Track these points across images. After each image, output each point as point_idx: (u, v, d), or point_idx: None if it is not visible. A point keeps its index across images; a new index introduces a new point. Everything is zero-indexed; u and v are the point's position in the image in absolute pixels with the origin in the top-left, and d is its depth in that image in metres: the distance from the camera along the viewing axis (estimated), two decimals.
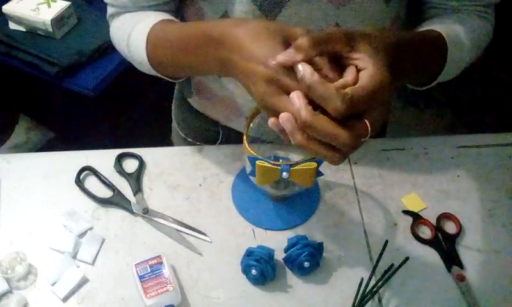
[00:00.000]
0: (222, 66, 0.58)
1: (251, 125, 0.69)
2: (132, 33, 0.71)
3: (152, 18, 0.70)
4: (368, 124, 0.49)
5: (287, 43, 0.52)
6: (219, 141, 0.91)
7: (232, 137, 0.87)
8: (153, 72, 0.72)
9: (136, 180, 0.78)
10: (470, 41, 0.69)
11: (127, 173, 0.79)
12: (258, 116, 0.70)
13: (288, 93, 0.50)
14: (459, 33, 0.68)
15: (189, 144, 0.96)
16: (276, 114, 0.51)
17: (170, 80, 0.75)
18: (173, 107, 0.99)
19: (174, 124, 1.00)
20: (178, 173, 0.80)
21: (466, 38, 0.69)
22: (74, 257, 0.70)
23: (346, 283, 0.68)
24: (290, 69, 0.50)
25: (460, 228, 0.73)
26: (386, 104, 0.51)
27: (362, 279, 0.66)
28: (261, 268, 0.66)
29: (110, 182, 0.78)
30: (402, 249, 0.72)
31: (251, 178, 0.68)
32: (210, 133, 0.91)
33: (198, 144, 0.94)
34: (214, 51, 0.58)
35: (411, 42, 0.61)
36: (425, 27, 0.70)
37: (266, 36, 0.53)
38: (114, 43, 0.77)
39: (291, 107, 0.49)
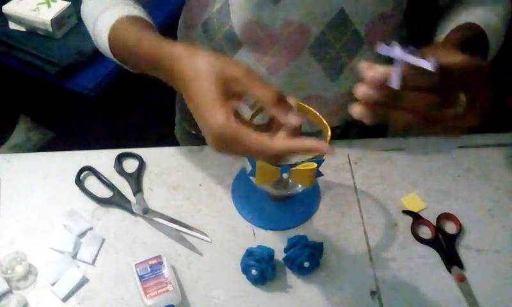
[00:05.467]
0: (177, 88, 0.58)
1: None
2: (98, 22, 0.70)
3: (119, 9, 0.68)
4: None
5: (224, 83, 0.52)
6: None
7: None
8: (119, 62, 0.71)
9: (135, 180, 0.78)
10: (502, 24, 0.71)
11: (127, 173, 0.79)
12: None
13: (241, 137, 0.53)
14: (495, 22, 0.70)
15: (193, 136, 0.95)
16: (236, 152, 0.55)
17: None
18: (176, 100, 0.99)
19: (178, 117, 1.00)
20: (178, 173, 0.80)
21: (498, 22, 0.71)
22: (74, 257, 0.70)
23: (346, 283, 0.68)
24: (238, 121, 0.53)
25: (460, 228, 0.73)
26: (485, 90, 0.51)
27: None
28: (261, 268, 0.66)
29: (110, 182, 0.78)
30: (402, 249, 0.72)
31: (251, 178, 0.68)
32: None
33: (202, 135, 0.94)
34: (165, 77, 0.59)
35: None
36: (453, 19, 0.71)
37: (205, 75, 0.52)
38: (84, 21, 0.76)
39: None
